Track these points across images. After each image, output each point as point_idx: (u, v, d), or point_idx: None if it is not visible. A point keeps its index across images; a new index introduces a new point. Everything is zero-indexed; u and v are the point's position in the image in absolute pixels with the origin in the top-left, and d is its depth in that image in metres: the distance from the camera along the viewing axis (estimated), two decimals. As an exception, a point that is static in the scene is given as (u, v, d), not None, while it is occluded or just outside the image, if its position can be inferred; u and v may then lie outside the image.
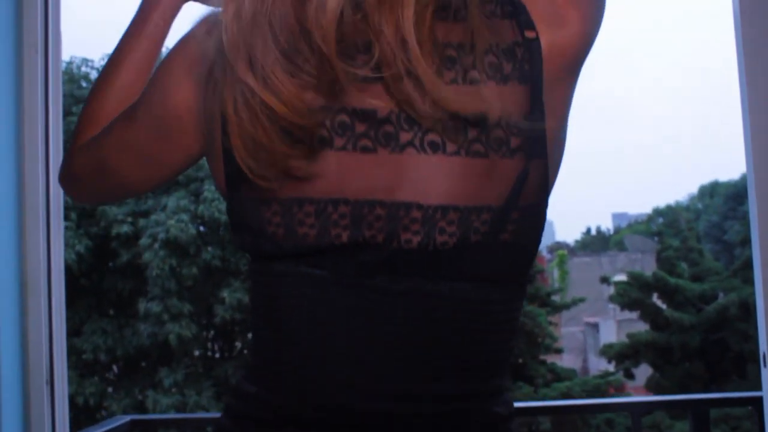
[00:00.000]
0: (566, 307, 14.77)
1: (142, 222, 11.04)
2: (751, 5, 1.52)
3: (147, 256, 10.70)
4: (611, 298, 14.56)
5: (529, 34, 0.74)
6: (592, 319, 22.92)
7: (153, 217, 10.97)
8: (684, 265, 14.11)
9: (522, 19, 0.75)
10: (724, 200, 26.04)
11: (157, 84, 0.81)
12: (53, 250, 1.55)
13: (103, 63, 12.27)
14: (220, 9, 0.70)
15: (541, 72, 0.74)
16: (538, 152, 0.74)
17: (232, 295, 10.91)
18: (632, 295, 13.57)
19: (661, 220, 27.96)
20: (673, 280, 13.31)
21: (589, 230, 35.96)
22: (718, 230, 24.42)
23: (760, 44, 1.53)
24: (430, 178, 0.70)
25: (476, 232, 0.71)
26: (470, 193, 0.71)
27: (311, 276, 0.74)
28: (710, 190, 31.55)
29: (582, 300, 14.88)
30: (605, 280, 15.52)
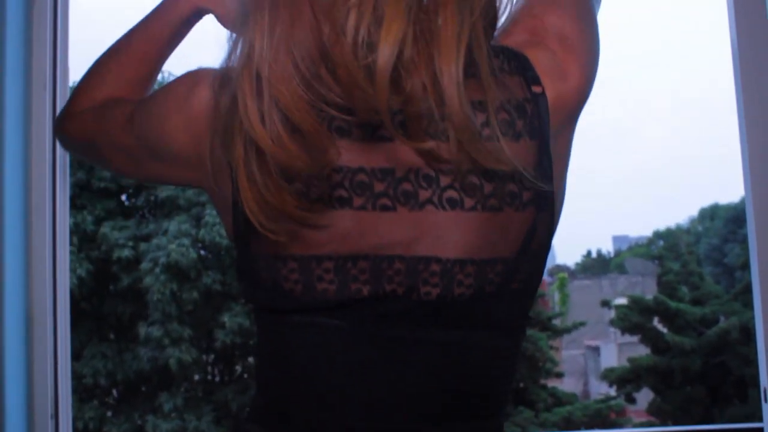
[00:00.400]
0: (567, 331, 14.74)
1: (143, 246, 11.06)
2: (748, 30, 1.55)
3: (148, 280, 10.71)
4: (612, 322, 14.53)
5: (536, 89, 0.77)
6: (593, 342, 22.82)
7: (154, 241, 11.00)
8: (685, 289, 14.08)
9: (529, 75, 0.77)
10: (725, 223, 26.03)
11: (156, 110, 0.82)
12: (59, 294, 1.57)
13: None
14: (235, 66, 0.71)
15: (548, 126, 0.77)
16: (546, 203, 0.76)
17: (233, 320, 10.90)
18: (633, 319, 13.54)
19: (661, 242, 27.96)
20: (673, 304, 13.29)
21: (589, 253, 35.92)
22: (719, 253, 24.39)
23: (757, 68, 1.56)
24: (449, 233, 0.72)
25: (490, 283, 0.74)
26: (485, 246, 0.73)
27: (327, 326, 0.75)
28: (710, 213, 31.54)
29: (582, 324, 14.84)
30: (606, 303, 15.49)
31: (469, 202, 0.72)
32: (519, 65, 0.77)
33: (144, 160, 0.87)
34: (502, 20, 0.80)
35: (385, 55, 0.66)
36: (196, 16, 1.01)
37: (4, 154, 1.47)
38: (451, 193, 0.72)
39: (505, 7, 0.79)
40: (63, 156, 1.59)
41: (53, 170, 1.58)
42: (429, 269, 0.73)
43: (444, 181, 0.72)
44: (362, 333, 0.75)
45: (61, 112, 1.00)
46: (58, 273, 1.57)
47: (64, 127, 0.98)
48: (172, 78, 0.94)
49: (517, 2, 0.84)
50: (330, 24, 0.69)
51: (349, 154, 0.71)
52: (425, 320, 0.75)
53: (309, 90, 0.69)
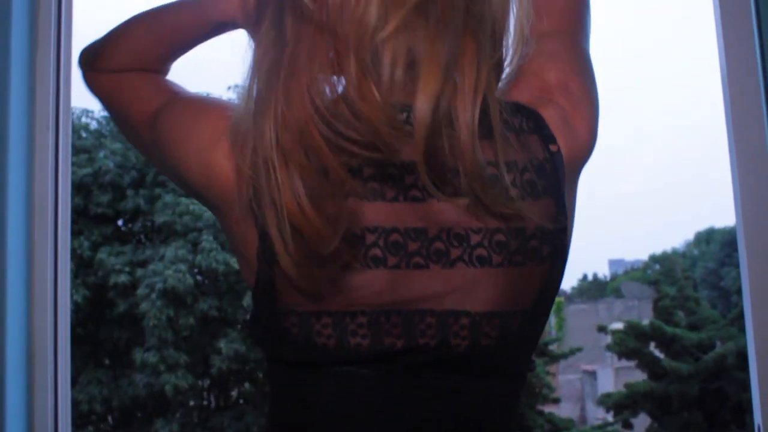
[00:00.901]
0: (564, 356, 14.71)
1: (139, 272, 11.05)
2: (737, 58, 1.58)
3: (144, 306, 10.69)
4: (608, 347, 14.52)
5: (553, 148, 0.81)
6: (589, 367, 22.76)
7: (151, 266, 11.00)
8: (681, 314, 14.08)
9: (545, 134, 0.81)
10: (720, 247, 26.10)
11: (178, 137, 0.82)
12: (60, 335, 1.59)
13: (103, 114, 12.37)
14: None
15: (564, 182, 0.81)
16: (561, 255, 0.80)
17: (229, 346, 10.87)
18: (629, 345, 13.53)
19: (657, 266, 28.00)
20: (670, 330, 13.29)
21: (585, 277, 35.97)
22: (715, 277, 24.42)
23: (746, 94, 1.58)
24: (477, 289, 0.75)
25: (512, 333, 0.77)
26: (509, 299, 0.77)
27: (356, 375, 0.76)
28: (706, 237, 31.64)
29: (579, 350, 14.81)
30: (602, 329, 15.48)
31: (496, 258, 0.75)
32: (535, 124, 0.81)
33: (154, 159, 0.89)
34: (506, 71, 0.83)
35: (423, 108, 0.69)
36: (232, 25, 0.97)
37: (7, 183, 1.50)
38: (481, 251, 0.75)
39: (512, 58, 0.82)
40: (66, 194, 1.62)
41: (55, 210, 1.60)
42: (459, 323, 0.75)
43: (474, 239, 0.75)
44: (391, 382, 0.77)
45: (86, 59, 0.98)
46: (59, 303, 1.59)
47: (86, 77, 0.98)
48: None
49: (519, 55, 0.86)
50: (357, 62, 0.71)
51: (382, 215, 0.74)
52: (452, 370, 0.77)
53: (334, 138, 0.70)
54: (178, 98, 0.87)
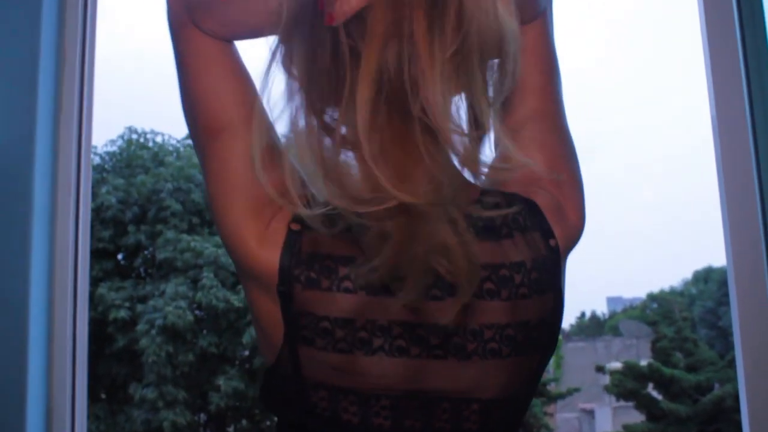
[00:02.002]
0: (561, 396, 14.68)
1: (139, 307, 11.08)
2: (726, 106, 1.65)
3: (144, 341, 10.72)
4: (607, 389, 14.48)
5: (552, 243, 0.87)
6: (587, 406, 22.61)
7: (151, 302, 11.03)
8: (679, 355, 14.09)
9: (545, 229, 0.87)
10: (718, 286, 26.05)
11: (222, 189, 0.83)
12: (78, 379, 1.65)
13: (106, 149, 12.49)
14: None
15: (562, 273, 0.88)
16: (556, 339, 0.88)
17: (227, 383, 10.87)
18: (627, 386, 13.51)
19: (655, 305, 27.95)
20: (668, 371, 13.28)
21: (583, 315, 35.85)
22: (713, 316, 24.34)
23: (735, 133, 1.63)
24: (488, 378, 0.82)
25: (513, 413, 0.85)
26: (513, 385, 0.84)
27: None
28: (704, 276, 31.57)
29: (577, 390, 14.79)
30: (600, 369, 15.46)
31: (505, 350, 0.82)
32: (536, 219, 0.87)
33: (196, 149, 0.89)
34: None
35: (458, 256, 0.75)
36: None
37: (32, 226, 1.56)
38: (493, 345, 0.82)
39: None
40: (85, 250, 1.69)
41: (74, 274, 1.67)
42: (470, 408, 0.82)
43: (487, 334, 0.81)
44: None
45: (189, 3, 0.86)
46: (78, 343, 1.66)
47: (179, 24, 0.87)
48: None
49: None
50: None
51: (408, 312, 0.80)
52: None
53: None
54: (238, 139, 0.84)
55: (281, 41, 0.79)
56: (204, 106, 0.85)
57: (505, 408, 0.84)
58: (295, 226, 0.80)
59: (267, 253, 0.80)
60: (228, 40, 0.86)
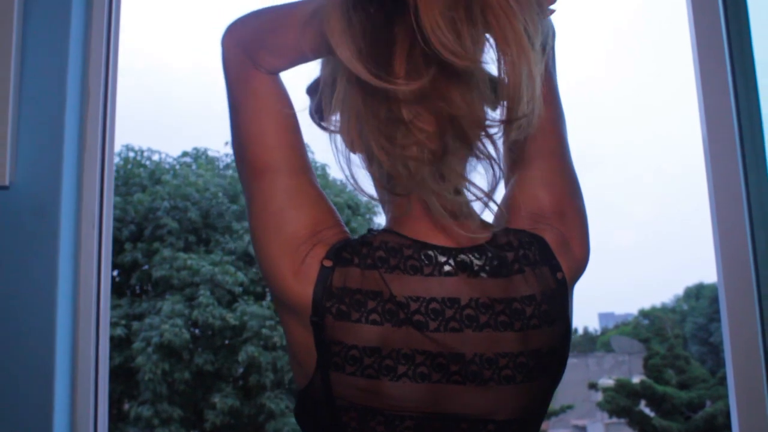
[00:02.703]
0: (554, 413, 14.73)
1: (135, 325, 11.08)
2: (717, 129, 1.73)
3: (140, 359, 10.70)
4: (599, 405, 14.53)
5: (559, 276, 0.94)
6: (580, 422, 22.61)
7: (147, 320, 11.02)
8: (671, 372, 14.15)
9: (553, 264, 0.94)
10: (710, 302, 26.10)
11: (262, 231, 0.90)
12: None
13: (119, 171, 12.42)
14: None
15: (570, 304, 0.96)
16: (565, 363, 0.95)
17: (223, 401, 10.84)
18: (620, 403, 13.56)
19: (646, 321, 27.95)
20: (660, 388, 13.34)
21: (576, 330, 35.87)
22: (704, 332, 24.37)
23: (724, 152, 1.72)
24: (503, 402, 0.89)
25: None
26: (526, 408, 0.91)
27: None
28: (696, 292, 31.59)
29: (570, 407, 14.84)
30: (593, 386, 15.51)
31: (519, 377, 0.90)
32: (544, 255, 0.94)
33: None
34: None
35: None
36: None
37: (58, 269, 1.65)
38: (507, 372, 0.89)
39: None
40: (107, 255, 1.77)
41: (99, 269, 1.76)
42: (487, 428, 0.89)
43: (502, 362, 0.89)
44: None
45: (244, 40, 0.93)
46: (100, 360, 1.74)
47: (234, 59, 0.93)
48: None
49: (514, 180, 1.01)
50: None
51: (430, 342, 0.87)
52: None
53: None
54: (280, 180, 0.90)
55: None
56: (253, 146, 0.91)
57: (518, 428, 0.91)
58: (327, 263, 0.86)
59: (301, 286, 0.86)
60: (284, 69, 0.93)
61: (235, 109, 0.94)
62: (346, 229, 0.92)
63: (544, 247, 0.95)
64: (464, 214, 0.91)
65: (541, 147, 1.00)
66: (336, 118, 0.92)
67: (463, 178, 0.87)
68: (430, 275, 0.87)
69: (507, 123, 0.84)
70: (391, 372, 0.85)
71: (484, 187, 0.86)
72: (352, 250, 0.87)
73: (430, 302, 0.87)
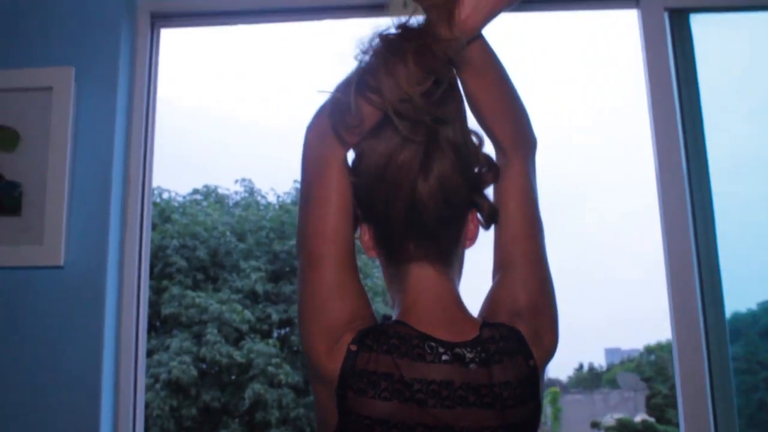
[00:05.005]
0: (558, 452, 14.77)
1: (144, 361, 11.21)
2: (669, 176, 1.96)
3: (149, 396, 10.77)
4: (602, 444, 14.56)
5: (531, 363, 1.10)
6: (584, 460, 22.51)
7: (156, 356, 11.16)
8: (673, 412, 14.19)
9: (526, 352, 1.10)
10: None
11: (306, 315, 1.08)
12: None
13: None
14: None
15: (540, 386, 1.14)
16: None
17: (230, 437, 11.03)
18: (622, 441, 13.62)
19: (652, 357, 27.88)
20: (662, 428, 13.36)
21: (581, 366, 35.71)
22: (710, 370, 24.20)
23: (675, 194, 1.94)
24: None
25: None
26: None
27: None
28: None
29: (573, 445, 14.88)
30: (596, 425, 15.55)
31: None
32: (519, 345, 1.10)
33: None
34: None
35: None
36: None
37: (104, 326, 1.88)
38: None
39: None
40: (143, 321, 2.02)
41: (137, 330, 1.99)
42: None
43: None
44: None
45: (339, 125, 1.08)
46: (138, 396, 1.97)
47: (322, 141, 1.10)
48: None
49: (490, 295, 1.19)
50: None
51: (429, 417, 1.04)
52: None
53: None
54: (329, 273, 1.07)
55: None
56: (315, 238, 1.08)
57: None
58: (353, 347, 1.04)
59: (333, 364, 1.04)
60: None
61: (306, 199, 1.11)
62: (375, 314, 1.10)
63: (520, 338, 1.11)
64: (461, 317, 1.13)
65: (523, 252, 1.17)
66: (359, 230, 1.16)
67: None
68: (431, 362, 1.05)
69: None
70: None
71: None
72: (373, 338, 1.04)
73: (431, 384, 1.05)
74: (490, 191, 1.20)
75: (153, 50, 2.09)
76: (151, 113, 2.05)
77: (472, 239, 1.18)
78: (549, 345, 1.17)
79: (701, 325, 1.92)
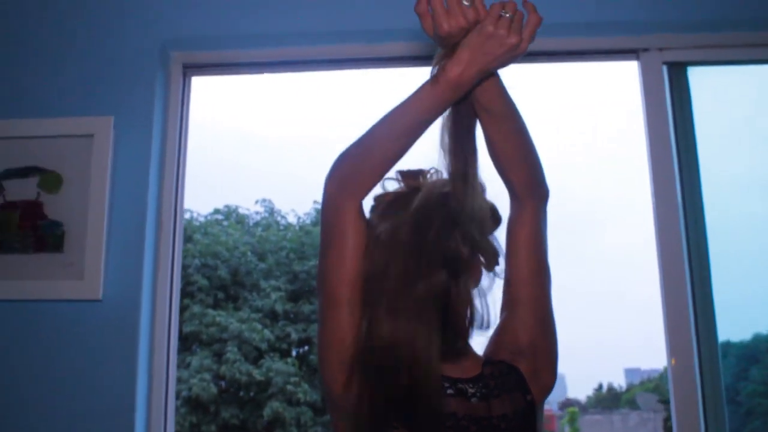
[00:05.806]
0: (575, 474, 14.68)
1: (165, 378, 11.30)
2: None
3: (169, 413, 10.91)
4: (619, 466, 14.44)
5: (528, 398, 1.20)
6: (602, 483, 22.29)
7: (176, 374, 11.23)
8: (690, 434, 14.07)
9: (525, 388, 1.20)
10: (737, 360, 25.69)
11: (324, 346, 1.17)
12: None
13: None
14: None
15: (538, 420, 1.23)
16: None
17: (249, 454, 11.07)
18: (639, 464, 13.51)
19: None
20: (679, 450, 13.29)
21: (601, 386, 35.31)
22: (731, 391, 23.95)
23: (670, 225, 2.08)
24: None
25: None
26: None
27: None
28: (723, 350, 31.06)
29: (590, 467, 14.77)
30: (613, 446, 15.43)
31: None
32: (518, 382, 1.20)
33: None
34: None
35: None
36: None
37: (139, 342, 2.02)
38: None
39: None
40: (173, 350, 2.15)
41: (168, 359, 2.13)
42: None
43: None
44: None
45: (344, 176, 1.18)
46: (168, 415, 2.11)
47: (336, 194, 1.18)
48: None
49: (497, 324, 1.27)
50: None
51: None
52: None
53: None
54: (345, 315, 1.15)
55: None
56: (333, 281, 1.16)
57: None
58: None
59: (350, 392, 1.13)
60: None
61: (326, 245, 1.19)
62: None
63: (519, 376, 1.22)
64: (465, 355, 1.23)
65: (528, 295, 1.26)
66: None
67: None
68: None
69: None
70: None
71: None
72: None
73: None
74: (496, 232, 1.28)
75: (185, 97, 2.24)
76: (182, 156, 2.20)
77: (477, 282, 1.25)
78: (547, 382, 1.27)
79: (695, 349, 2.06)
